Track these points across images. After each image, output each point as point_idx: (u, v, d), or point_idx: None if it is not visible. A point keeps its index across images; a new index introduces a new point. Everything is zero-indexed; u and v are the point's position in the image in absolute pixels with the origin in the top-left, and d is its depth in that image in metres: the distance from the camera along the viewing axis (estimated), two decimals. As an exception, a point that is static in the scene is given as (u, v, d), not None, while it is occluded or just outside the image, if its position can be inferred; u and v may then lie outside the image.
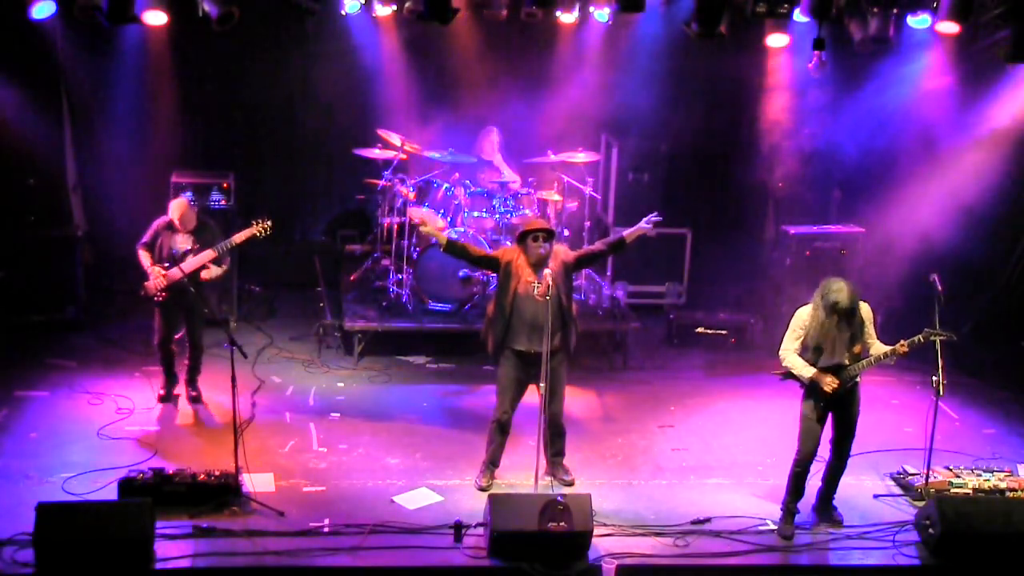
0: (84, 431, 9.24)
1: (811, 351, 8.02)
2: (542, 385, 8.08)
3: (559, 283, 8.28)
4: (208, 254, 9.31)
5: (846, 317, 7.85)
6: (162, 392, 9.71)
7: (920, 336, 7.89)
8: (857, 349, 7.98)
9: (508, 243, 11.22)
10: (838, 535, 8.25)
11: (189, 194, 11.06)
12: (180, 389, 9.81)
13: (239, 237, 9.41)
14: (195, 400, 9.73)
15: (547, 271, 8.13)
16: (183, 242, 9.37)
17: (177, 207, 9.41)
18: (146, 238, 9.45)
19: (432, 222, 11.22)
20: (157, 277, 9.28)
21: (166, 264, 9.30)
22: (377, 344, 11.01)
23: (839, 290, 7.81)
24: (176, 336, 9.77)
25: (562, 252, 8.50)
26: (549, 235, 8.35)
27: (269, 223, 9.47)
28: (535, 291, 8.25)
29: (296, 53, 12.26)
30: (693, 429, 9.93)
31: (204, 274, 9.35)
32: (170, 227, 9.40)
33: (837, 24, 10.82)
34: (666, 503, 8.55)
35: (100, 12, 9.74)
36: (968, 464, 9.10)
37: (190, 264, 9.27)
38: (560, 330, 8.36)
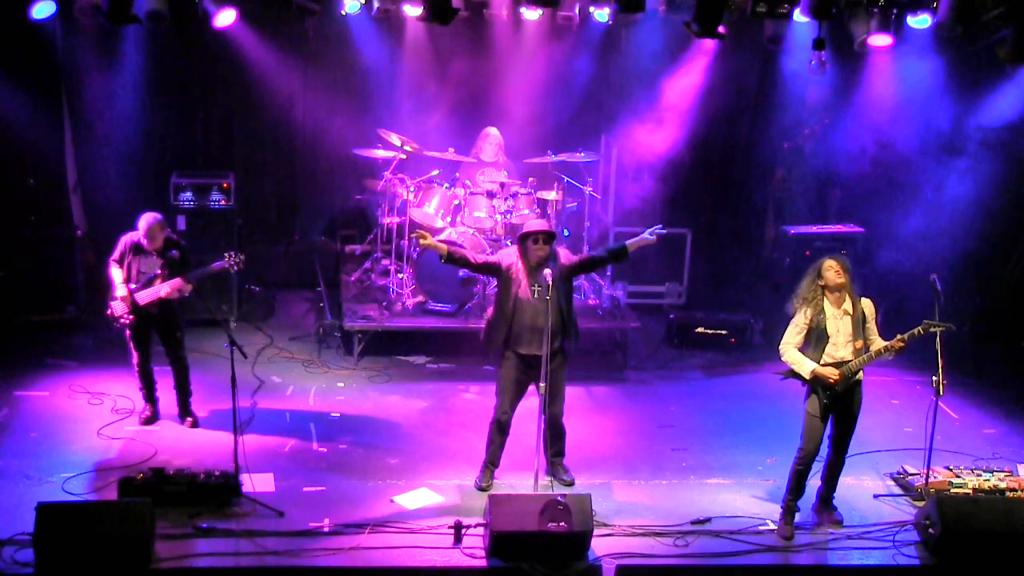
0: (84, 431, 9.24)
1: (812, 346, 8.03)
2: (542, 385, 8.08)
3: (559, 286, 8.28)
4: (176, 283, 8.99)
5: (844, 271, 7.93)
6: (147, 415, 9.42)
7: (919, 328, 7.88)
8: (858, 344, 7.99)
9: (508, 243, 11.22)
10: (838, 535, 8.25)
11: (196, 201, 10.92)
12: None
13: (209, 271, 9.11)
14: (195, 425, 9.41)
15: (547, 271, 8.14)
16: (152, 264, 9.07)
17: (144, 223, 9.02)
18: (115, 254, 9.16)
19: (430, 222, 11.24)
20: (121, 301, 9.06)
21: (133, 286, 9.06)
22: (377, 344, 11.01)
23: (829, 260, 8.02)
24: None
25: (563, 255, 8.50)
26: (549, 237, 8.34)
27: (242, 257, 9.19)
28: (535, 294, 8.25)
29: (296, 53, 12.26)
30: (693, 429, 9.93)
31: (163, 292, 9.05)
32: (137, 247, 9.07)
33: (837, 24, 10.84)
34: (666, 503, 8.55)
35: (100, 12, 9.76)
36: (968, 464, 9.11)
37: (153, 291, 9.05)
38: (560, 333, 8.36)
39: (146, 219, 9.08)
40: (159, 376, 9.52)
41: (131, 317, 9.12)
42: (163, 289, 9.04)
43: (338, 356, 11.08)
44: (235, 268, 9.24)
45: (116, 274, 9.14)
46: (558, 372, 8.44)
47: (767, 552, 8.01)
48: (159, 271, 9.07)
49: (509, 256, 8.52)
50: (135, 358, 9.33)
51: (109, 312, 9.18)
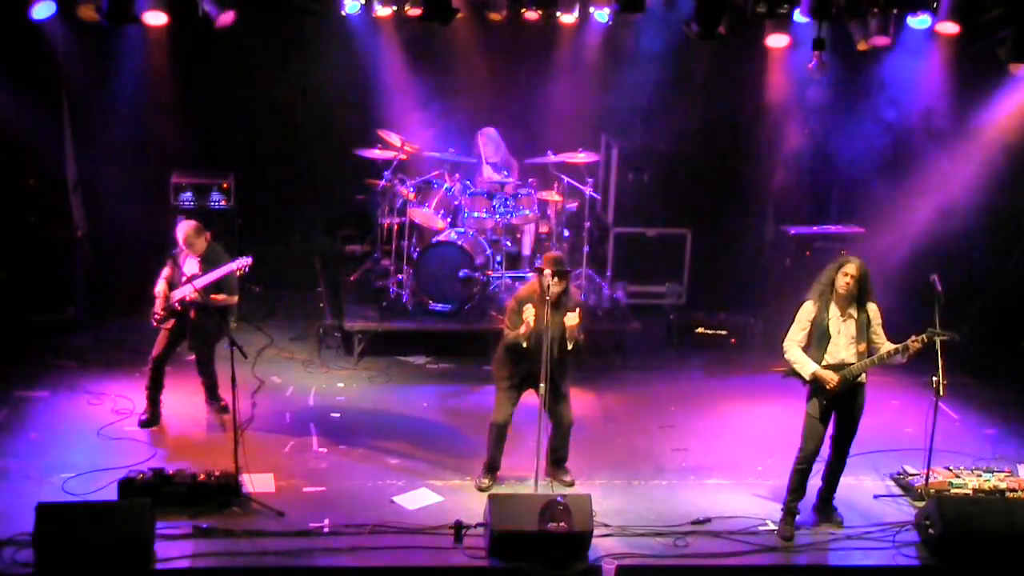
0: (84, 431, 9.24)
1: (814, 346, 8.03)
2: (541, 386, 8.08)
3: (557, 327, 8.25)
4: (187, 289, 9.00)
5: (856, 284, 7.91)
6: (146, 417, 9.39)
7: (923, 336, 7.89)
8: (861, 347, 7.99)
9: (508, 243, 11.24)
10: (838, 535, 8.25)
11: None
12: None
13: (220, 272, 9.05)
14: (223, 410, 9.47)
15: (547, 272, 8.13)
16: (189, 267, 9.14)
17: (179, 232, 9.15)
18: (169, 262, 9.30)
19: (430, 223, 11.27)
20: (158, 299, 9.20)
21: (169, 290, 9.19)
22: (377, 344, 11.01)
23: (849, 258, 8.04)
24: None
25: (575, 292, 8.60)
26: (562, 275, 8.26)
27: (250, 259, 9.11)
28: (543, 321, 8.20)
29: (296, 53, 12.25)
30: (693, 429, 9.93)
31: (217, 297, 9.12)
32: (183, 252, 9.21)
33: (837, 24, 10.84)
34: (666, 503, 8.55)
35: (100, 12, 9.76)
36: (968, 464, 9.11)
37: (179, 291, 9.09)
38: (559, 366, 8.35)
39: (181, 229, 9.18)
40: (168, 379, 9.51)
41: (160, 314, 9.19)
42: (181, 292, 9.08)
43: (338, 356, 11.08)
44: (241, 272, 9.18)
45: (159, 279, 9.26)
46: (561, 386, 8.45)
47: (767, 552, 8.01)
48: (197, 273, 9.09)
49: (528, 290, 8.42)
50: (155, 351, 9.32)
51: (153, 310, 9.30)
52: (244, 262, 9.09)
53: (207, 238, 9.25)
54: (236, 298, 9.44)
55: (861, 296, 7.99)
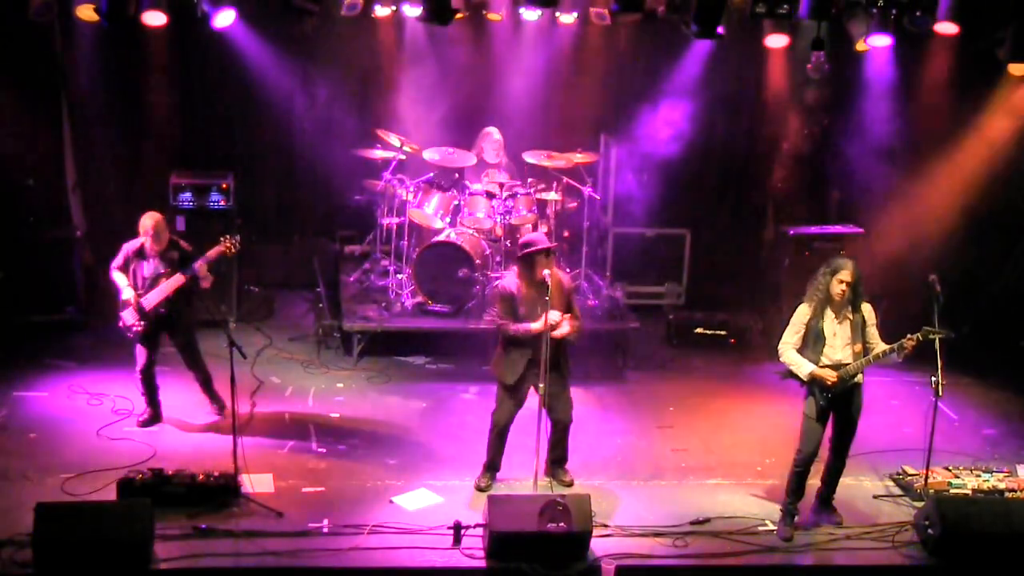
0: (84, 431, 9.24)
1: (810, 348, 8.03)
2: (541, 386, 8.09)
3: (559, 301, 8.28)
4: (177, 279, 8.96)
5: (851, 289, 7.91)
6: (146, 417, 9.38)
7: (918, 335, 7.89)
8: (857, 348, 7.99)
9: (508, 243, 11.22)
10: (838, 535, 8.25)
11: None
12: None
13: (211, 254, 9.03)
14: (221, 411, 9.45)
15: (545, 272, 8.14)
16: (154, 267, 9.02)
17: (150, 221, 8.94)
18: (119, 261, 9.09)
19: (429, 223, 11.27)
20: (132, 308, 9.02)
21: (140, 292, 9.03)
22: (376, 344, 11.01)
23: (842, 262, 8.01)
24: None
25: (565, 280, 8.57)
26: (548, 252, 8.33)
27: (238, 238, 9.14)
28: (538, 307, 8.22)
29: (296, 53, 12.25)
30: (693, 429, 9.93)
31: (168, 291, 9.02)
32: (140, 252, 9.03)
33: (837, 24, 10.84)
34: (666, 503, 8.56)
35: (100, 12, 9.76)
36: (968, 464, 9.11)
37: (158, 292, 9.01)
38: (560, 352, 8.37)
39: (151, 217, 9.03)
40: (161, 378, 9.50)
41: (143, 324, 9.08)
42: (167, 288, 9.02)
43: (337, 356, 11.07)
44: (232, 251, 9.15)
45: (120, 279, 9.10)
46: (561, 382, 8.46)
47: (767, 552, 8.02)
48: (162, 271, 9.04)
49: (509, 284, 8.49)
50: (140, 364, 9.27)
51: (120, 323, 9.14)
52: (231, 242, 9.05)
53: (169, 232, 9.16)
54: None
55: (855, 298, 8.00)
